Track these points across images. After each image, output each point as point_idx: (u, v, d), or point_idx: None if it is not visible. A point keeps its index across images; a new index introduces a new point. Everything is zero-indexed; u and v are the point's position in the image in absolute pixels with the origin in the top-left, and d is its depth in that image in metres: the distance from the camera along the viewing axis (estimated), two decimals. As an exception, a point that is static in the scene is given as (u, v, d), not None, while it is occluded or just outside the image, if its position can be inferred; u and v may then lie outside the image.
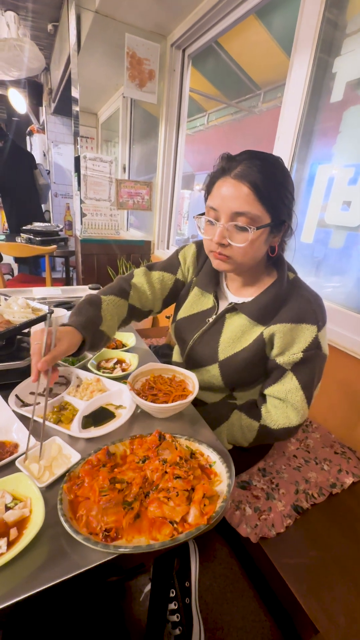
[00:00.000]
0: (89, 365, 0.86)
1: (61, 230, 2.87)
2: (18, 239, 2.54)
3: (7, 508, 0.46)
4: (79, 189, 2.28)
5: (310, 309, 0.72)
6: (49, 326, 0.61)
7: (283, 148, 1.35)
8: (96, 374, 0.82)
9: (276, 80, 2.42)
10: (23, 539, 0.43)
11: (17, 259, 3.16)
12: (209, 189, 0.72)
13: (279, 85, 2.41)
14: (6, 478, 0.50)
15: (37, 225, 2.66)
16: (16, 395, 0.70)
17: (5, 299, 0.98)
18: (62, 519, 0.45)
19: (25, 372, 0.76)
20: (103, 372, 0.84)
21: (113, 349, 0.96)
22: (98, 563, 0.42)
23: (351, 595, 0.68)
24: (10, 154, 2.92)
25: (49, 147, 4.29)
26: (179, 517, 0.47)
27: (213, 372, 0.82)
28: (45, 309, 0.97)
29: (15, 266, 3.36)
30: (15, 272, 3.34)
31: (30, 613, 0.41)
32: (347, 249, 1.25)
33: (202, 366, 0.84)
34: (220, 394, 0.88)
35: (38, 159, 4.07)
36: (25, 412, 0.66)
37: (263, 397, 0.81)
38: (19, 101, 3.57)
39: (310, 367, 0.73)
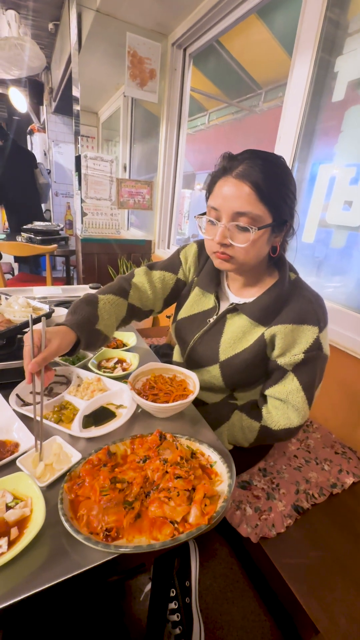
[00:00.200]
0: (89, 365, 0.86)
1: (62, 229, 2.87)
2: (18, 238, 2.54)
3: (8, 507, 0.46)
4: (80, 188, 2.28)
5: (311, 310, 0.71)
6: (40, 328, 0.61)
7: (284, 147, 1.34)
8: (97, 373, 0.82)
9: (277, 79, 2.41)
10: (24, 539, 0.43)
11: (17, 258, 3.16)
12: (210, 188, 0.71)
13: (280, 85, 2.40)
14: (7, 477, 0.50)
15: (38, 225, 2.65)
16: (17, 395, 0.70)
17: (6, 298, 0.98)
18: (62, 518, 0.45)
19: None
20: (104, 372, 0.84)
21: (114, 348, 0.96)
22: (98, 563, 0.42)
23: (352, 596, 0.68)
24: (10, 153, 2.92)
25: (50, 146, 4.28)
26: (179, 517, 0.47)
27: (213, 372, 0.82)
28: (45, 308, 0.97)
29: (15, 265, 3.36)
30: (16, 272, 3.34)
31: (31, 613, 0.41)
32: (348, 248, 1.25)
33: (203, 367, 0.84)
34: (221, 394, 0.88)
35: (39, 158, 4.07)
36: (26, 411, 0.65)
37: (264, 398, 0.80)
38: (19, 100, 3.57)
39: (311, 368, 0.73)
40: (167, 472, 0.52)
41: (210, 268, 0.85)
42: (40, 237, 2.48)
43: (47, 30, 2.92)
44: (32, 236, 2.49)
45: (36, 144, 4.31)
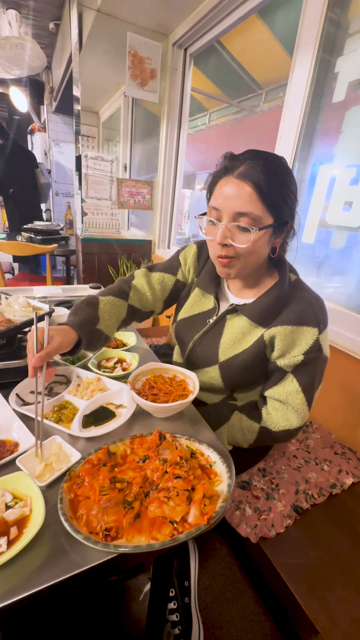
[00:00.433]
0: (89, 365, 0.86)
1: (62, 229, 2.87)
2: (19, 238, 2.54)
3: (7, 507, 0.46)
4: (80, 188, 2.28)
5: (311, 311, 0.71)
6: (44, 325, 0.63)
7: (285, 148, 1.34)
8: (97, 373, 0.82)
9: (278, 79, 2.41)
10: (23, 538, 0.43)
11: (17, 258, 3.16)
12: (211, 188, 0.71)
13: (280, 85, 2.40)
14: (7, 477, 0.50)
15: (38, 224, 2.65)
16: (17, 394, 0.70)
17: (6, 298, 0.98)
18: (62, 518, 0.45)
19: (25, 371, 0.76)
20: (103, 372, 0.84)
21: (113, 348, 0.96)
22: (98, 562, 0.42)
23: (351, 596, 0.68)
24: (11, 152, 2.92)
25: (50, 145, 4.29)
26: (179, 517, 0.47)
27: (213, 373, 0.82)
28: (46, 307, 0.97)
29: (15, 265, 3.36)
30: (16, 271, 3.34)
31: (30, 612, 0.41)
32: (348, 249, 1.25)
33: (202, 367, 0.84)
34: (221, 395, 0.88)
35: (39, 157, 4.07)
36: (26, 411, 0.65)
37: (263, 399, 0.80)
38: (20, 100, 3.57)
39: (311, 369, 0.73)
40: (166, 472, 0.52)
41: (210, 269, 0.85)
42: (40, 237, 2.48)
43: (47, 29, 2.92)
44: (33, 236, 2.50)
45: (37, 144, 4.31)
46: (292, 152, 1.32)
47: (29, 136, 4.49)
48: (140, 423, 0.69)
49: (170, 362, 0.97)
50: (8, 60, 2.52)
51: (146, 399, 0.67)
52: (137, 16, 1.95)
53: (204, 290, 0.87)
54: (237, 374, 0.79)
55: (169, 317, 2.09)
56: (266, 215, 0.65)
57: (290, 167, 0.70)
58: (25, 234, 2.54)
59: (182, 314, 0.91)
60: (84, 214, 2.35)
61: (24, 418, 0.64)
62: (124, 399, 0.74)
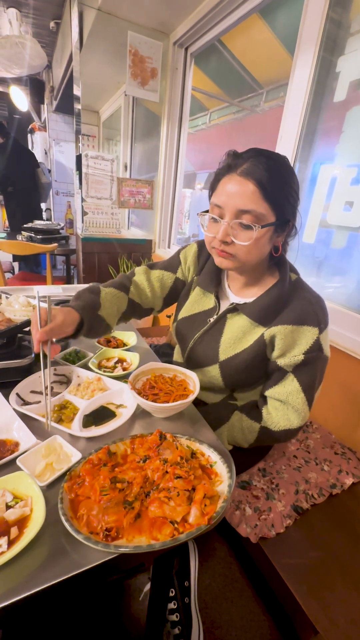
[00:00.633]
0: (89, 364, 0.86)
1: (62, 228, 2.87)
2: (19, 237, 2.53)
3: (8, 507, 0.46)
4: (81, 187, 2.28)
5: (312, 311, 0.71)
6: (38, 304, 0.67)
7: (285, 147, 1.34)
8: (97, 373, 0.82)
9: (279, 79, 2.41)
10: (24, 538, 0.43)
11: (17, 257, 3.16)
12: (213, 186, 0.71)
13: (281, 85, 2.40)
14: (7, 477, 0.50)
15: (38, 224, 2.65)
16: (17, 394, 0.70)
17: (7, 297, 0.97)
18: (62, 518, 0.45)
19: (26, 371, 0.76)
20: (104, 371, 0.84)
21: (114, 347, 0.96)
22: (98, 562, 0.42)
23: (351, 597, 0.68)
24: (12, 151, 2.92)
25: (51, 145, 4.28)
26: (179, 517, 0.47)
27: (213, 372, 0.82)
28: (45, 307, 0.96)
29: (15, 264, 3.35)
30: (16, 270, 3.33)
31: (30, 612, 0.41)
32: (349, 249, 1.25)
33: (203, 366, 0.84)
34: (221, 394, 0.88)
35: (39, 156, 4.07)
36: (26, 410, 0.65)
37: (264, 399, 0.80)
38: (20, 99, 3.57)
39: (311, 369, 0.73)
40: (167, 472, 0.52)
41: (211, 268, 0.86)
42: (40, 236, 2.48)
43: (48, 28, 2.92)
44: (33, 235, 2.49)
45: (37, 143, 4.30)
46: (293, 151, 1.32)
47: (29, 135, 4.49)
48: (140, 423, 0.69)
49: (171, 362, 0.97)
50: (8, 59, 2.52)
51: (146, 399, 0.67)
52: (138, 15, 1.95)
53: (205, 289, 0.87)
54: (238, 373, 0.79)
55: (169, 316, 2.09)
56: (269, 213, 0.65)
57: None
58: (25, 233, 2.54)
59: (183, 313, 0.91)
60: (84, 213, 2.35)
61: (24, 418, 0.64)
62: (124, 399, 0.74)
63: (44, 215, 3.61)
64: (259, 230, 0.64)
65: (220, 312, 0.83)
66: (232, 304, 0.80)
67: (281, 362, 0.74)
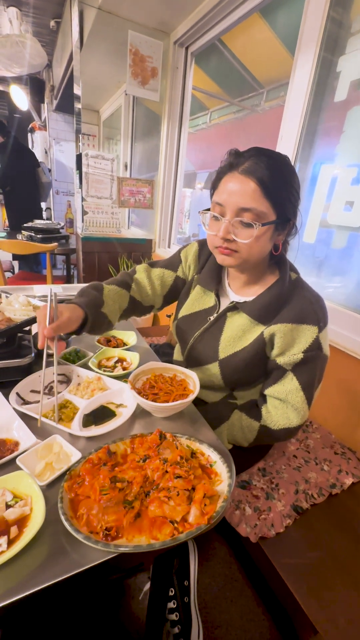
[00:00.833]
0: (89, 364, 0.85)
1: (62, 227, 2.86)
2: (19, 236, 2.53)
3: (8, 506, 0.46)
4: (81, 187, 2.27)
5: (311, 310, 0.72)
6: (49, 302, 0.67)
7: (286, 147, 1.34)
8: (97, 372, 0.82)
9: (279, 78, 2.40)
10: (23, 537, 0.43)
11: (17, 256, 3.15)
12: (215, 184, 0.71)
13: (282, 84, 2.39)
14: (7, 476, 0.50)
15: (38, 223, 2.65)
16: (17, 393, 0.70)
17: (7, 297, 0.97)
18: (62, 517, 0.45)
19: (26, 370, 0.76)
20: (104, 371, 0.84)
21: (114, 347, 0.96)
22: (98, 562, 0.42)
23: (351, 596, 0.68)
24: (12, 150, 2.92)
25: (51, 144, 4.28)
26: (179, 516, 0.47)
27: (213, 370, 0.82)
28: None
29: (15, 263, 3.35)
30: (16, 270, 3.33)
31: (30, 611, 0.41)
32: (349, 249, 1.25)
33: (203, 365, 0.84)
34: (221, 393, 0.88)
35: (39, 156, 4.07)
36: (26, 410, 0.65)
37: (263, 398, 0.80)
38: (20, 98, 3.56)
39: (311, 367, 0.73)
40: (167, 471, 0.52)
41: (212, 266, 0.86)
42: (40, 236, 2.48)
43: (48, 27, 2.91)
44: (33, 234, 2.49)
45: (37, 142, 4.30)
46: (294, 151, 1.32)
47: (29, 134, 4.49)
48: (140, 422, 0.69)
49: (171, 362, 0.97)
50: (9, 58, 2.52)
51: (146, 399, 0.67)
52: (139, 14, 1.94)
53: (205, 287, 0.87)
54: (237, 372, 0.79)
55: (169, 316, 2.09)
56: (269, 211, 0.65)
57: (292, 166, 0.70)
58: (25, 233, 2.54)
59: (183, 311, 0.91)
60: (84, 212, 2.34)
61: (24, 417, 0.64)
62: (124, 399, 0.74)
63: (44, 214, 3.61)
64: (259, 228, 0.65)
65: (221, 310, 0.83)
66: (233, 302, 0.80)
67: (281, 360, 0.74)
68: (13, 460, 0.54)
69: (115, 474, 0.52)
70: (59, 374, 0.81)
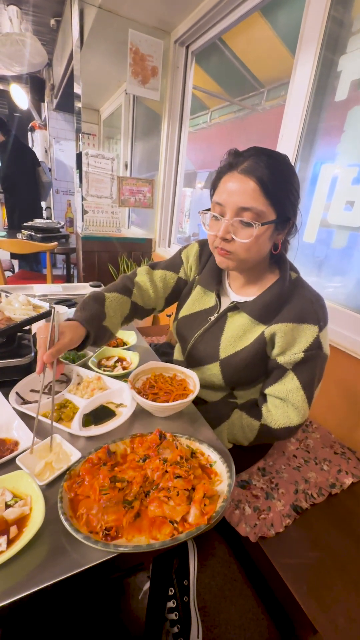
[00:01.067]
0: (89, 363, 0.85)
1: (62, 227, 2.86)
2: (19, 236, 2.53)
3: (7, 506, 0.46)
4: (81, 186, 2.27)
5: (312, 309, 0.72)
6: (52, 321, 0.63)
7: (286, 147, 1.34)
8: (97, 372, 0.82)
9: (280, 78, 2.40)
10: (23, 537, 0.43)
11: (16, 256, 3.15)
12: (215, 184, 0.71)
13: (283, 83, 2.39)
14: (6, 475, 0.50)
15: (38, 222, 2.65)
16: (17, 393, 0.70)
17: (6, 296, 0.97)
18: (62, 517, 0.45)
19: (26, 370, 0.76)
20: (104, 370, 0.84)
21: (114, 347, 0.96)
22: (98, 562, 0.42)
23: (350, 596, 0.68)
24: (13, 149, 2.91)
25: (51, 143, 4.27)
26: (179, 516, 0.47)
27: (214, 370, 0.82)
28: (46, 306, 0.96)
29: (15, 262, 3.35)
30: (16, 269, 3.33)
31: (30, 611, 0.41)
32: (349, 249, 1.24)
33: (203, 364, 0.84)
34: (221, 392, 0.88)
35: (39, 155, 4.06)
36: (26, 409, 0.65)
37: (263, 397, 0.81)
38: (20, 97, 3.56)
39: (311, 367, 0.73)
40: (166, 471, 0.52)
41: (212, 266, 0.86)
42: (40, 235, 2.48)
43: (48, 26, 2.91)
44: (33, 233, 2.49)
45: (37, 141, 4.30)
46: (294, 151, 1.32)
47: (29, 133, 4.48)
48: (140, 422, 0.69)
49: (171, 361, 0.97)
50: (9, 56, 2.51)
51: (146, 398, 0.67)
52: (139, 13, 1.94)
53: (206, 287, 0.87)
54: (238, 372, 0.79)
55: (169, 315, 2.08)
56: (269, 210, 0.65)
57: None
58: (25, 232, 2.54)
59: (184, 312, 0.91)
60: (84, 212, 2.34)
61: (24, 417, 0.64)
62: (124, 398, 0.74)
63: (44, 213, 3.61)
64: (259, 228, 0.65)
65: (221, 310, 0.83)
66: (233, 302, 0.80)
67: (281, 359, 0.74)
68: (13, 459, 0.54)
69: (115, 474, 0.52)
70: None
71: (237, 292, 0.83)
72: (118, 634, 0.88)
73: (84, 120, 2.25)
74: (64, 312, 1.04)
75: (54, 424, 0.64)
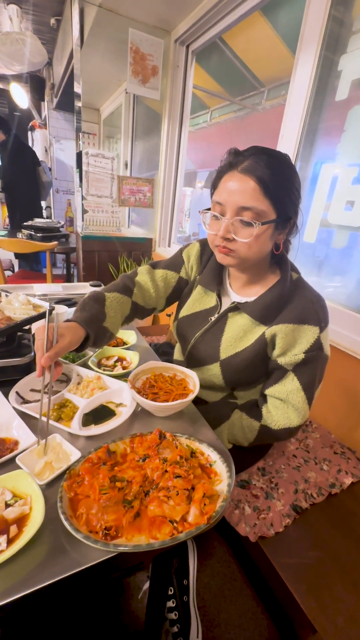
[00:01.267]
0: (89, 363, 0.85)
1: (62, 226, 2.86)
2: (19, 235, 2.53)
3: (7, 505, 0.46)
4: (81, 186, 2.27)
5: (312, 310, 0.71)
6: (50, 322, 0.62)
7: (287, 146, 1.34)
8: (97, 371, 0.82)
9: (280, 77, 2.39)
10: (23, 537, 0.43)
11: (17, 255, 3.15)
12: (215, 184, 0.71)
13: (283, 83, 2.38)
14: (6, 475, 0.50)
15: (38, 221, 2.65)
16: (17, 392, 0.70)
17: (6, 295, 0.97)
18: (62, 516, 0.45)
19: (25, 369, 0.76)
20: (104, 370, 0.84)
21: (114, 346, 0.96)
22: (98, 561, 0.42)
23: (350, 596, 0.68)
24: (13, 149, 2.91)
25: (51, 142, 4.27)
26: (179, 516, 0.47)
27: (214, 371, 0.82)
28: (46, 305, 0.96)
29: (15, 262, 3.35)
30: (16, 268, 3.33)
31: (30, 610, 0.41)
32: (350, 249, 1.24)
33: (204, 365, 0.84)
34: (221, 393, 0.88)
35: (40, 154, 4.06)
36: (26, 409, 0.65)
37: (264, 397, 0.80)
38: (21, 96, 3.56)
39: (311, 368, 0.73)
40: (166, 471, 0.52)
41: (213, 266, 0.85)
42: (40, 234, 2.48)
43: (49, 25, 2.90)
44: (33, 233, 2.49)
45: (37, 140, 4.29)
46: (294, 150, 1.32)
47: (29, 133, 4.48)
48: (140, 422, 0.69)
49: (171, 361, 0.97)
50: (9, 56, 2.51)
51: (146, 398, 0.67)
52: (139, 12, 1.94)
53: (206, 287, 0.87)
54: (238, 372, 0.79)
55: (169, 315, 2.08)
56: (270, 210, 0.65)
57: (293, 165, 0.69)
58: (25, 231, 2.54)
59: (184, 312, 0.91)
60: (84, 211, 2.34)
61: (24, 416, 0.64)
62: (124, 398, 0.74)
63: (44, 213, 3.61)
64: (259, 227, 0.65)
65: (222, 310, 0.83)
66: (234, 302, 0.80)
67: (282, 360, 0.74)
68: (13, 459, 0.54)
69: (114, 474, 0.52)
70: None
71: (238, 292, 0.83)
72: (117, 634, 0.88)
73: (84, 119, 2.25)
74: (64, 311, 1.04)
75: (54, 424, 0.64)
